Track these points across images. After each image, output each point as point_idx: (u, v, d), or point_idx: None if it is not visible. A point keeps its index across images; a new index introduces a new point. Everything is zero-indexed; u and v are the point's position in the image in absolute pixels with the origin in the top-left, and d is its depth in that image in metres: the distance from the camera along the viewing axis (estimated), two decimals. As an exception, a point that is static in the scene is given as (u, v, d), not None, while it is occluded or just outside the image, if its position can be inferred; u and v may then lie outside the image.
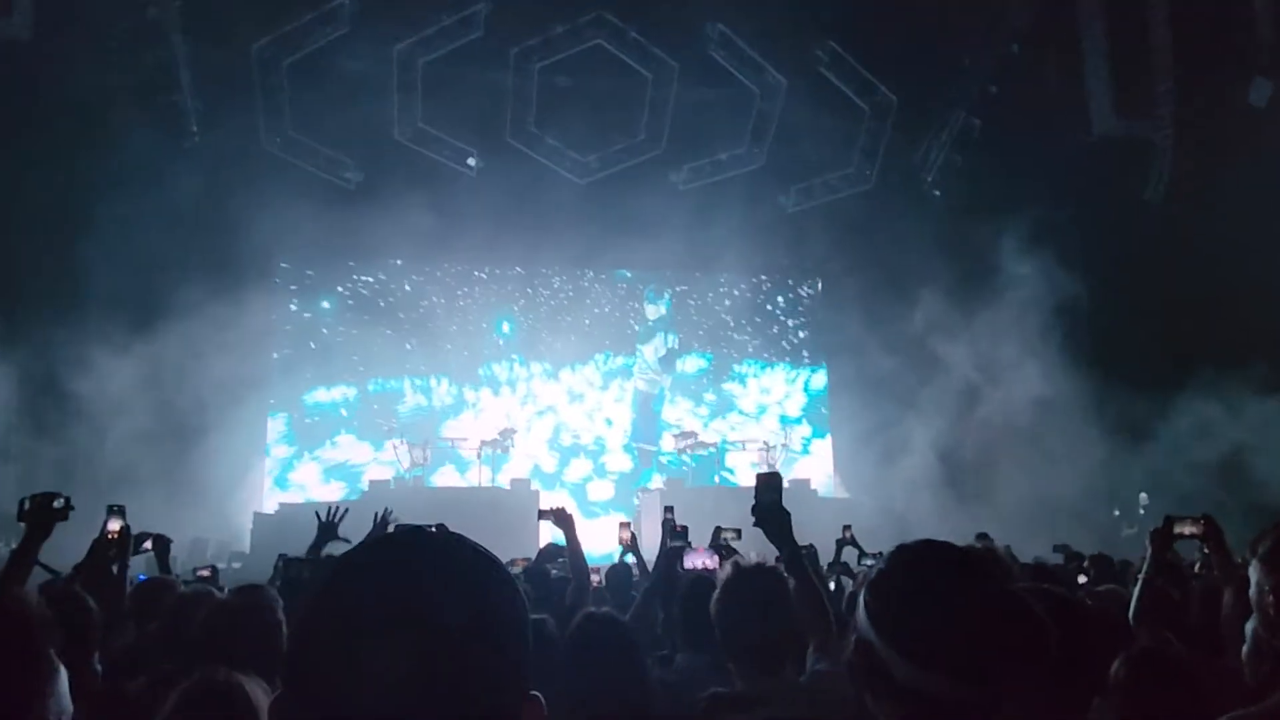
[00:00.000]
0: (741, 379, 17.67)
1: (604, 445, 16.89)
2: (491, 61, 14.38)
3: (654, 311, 17.43)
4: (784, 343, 17.89)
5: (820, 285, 18.11)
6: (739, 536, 4.84)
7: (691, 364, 17.50)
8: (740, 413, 17.50)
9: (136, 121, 12.70)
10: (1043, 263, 13.83)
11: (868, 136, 15.90)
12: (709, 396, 17.48)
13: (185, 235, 12.97)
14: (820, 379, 17.86)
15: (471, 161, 15.35)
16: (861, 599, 1.34)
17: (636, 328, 17.37)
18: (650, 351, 17.24)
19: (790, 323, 18.01)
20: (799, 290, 18.18)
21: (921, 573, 1.34)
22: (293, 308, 16.19)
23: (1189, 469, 12.42)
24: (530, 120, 15.03)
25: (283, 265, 16.05)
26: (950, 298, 14.46)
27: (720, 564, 3.14)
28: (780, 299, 18.03)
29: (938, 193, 16.43)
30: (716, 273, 17.24)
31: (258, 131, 14.32)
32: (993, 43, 14.67)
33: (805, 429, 17.50)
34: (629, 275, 17.45)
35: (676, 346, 17.29)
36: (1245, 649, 2.44)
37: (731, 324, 17.61)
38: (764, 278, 17.76)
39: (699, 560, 3.89)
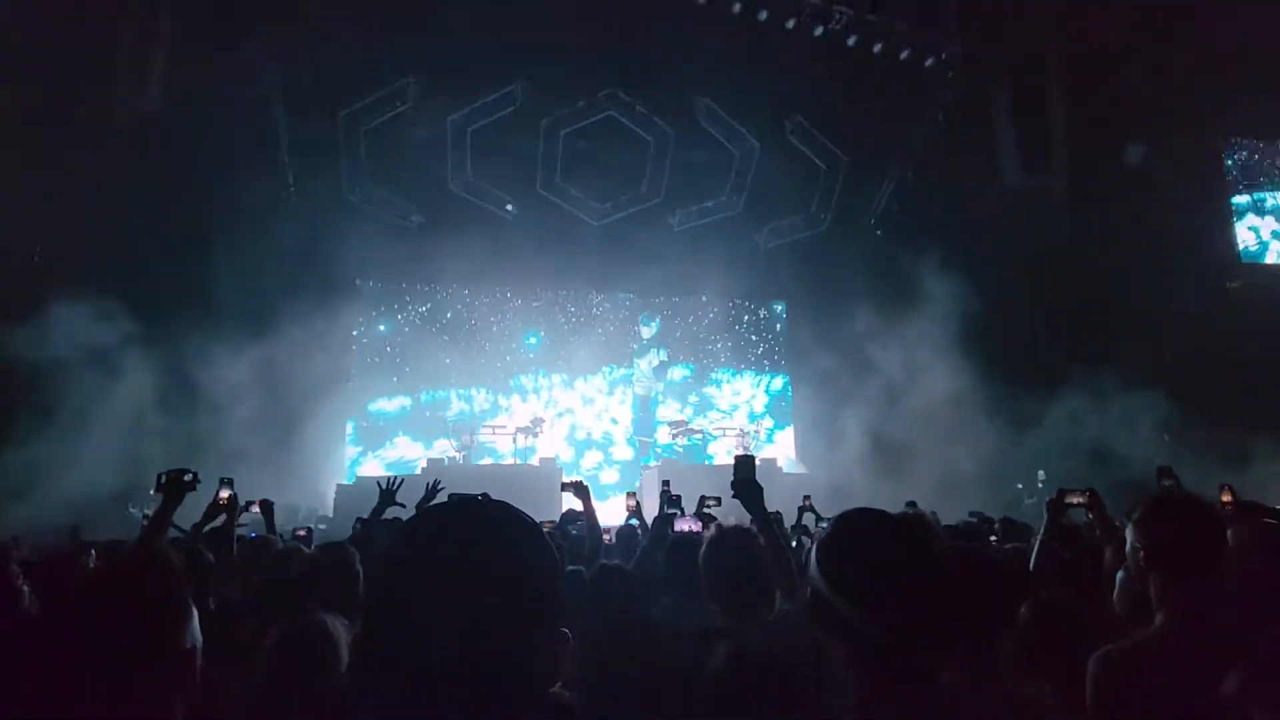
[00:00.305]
0: (718, 384, 17.57)
1: (611, 439, 16.79)
2: (526, 129, 14.42)
3: (647, 332, 17.36)
4: (750, 354, 17.76)
5: (784, 307, 18.06)
6: (719, 503, 4.84)
7: (678, 373, 17.44)
8: (718, 410, 17.42)
9: (248, 176, 12.75)
10: (957, 287, 13.81)
11: (823, 189, 15.92)
12: (692, 398, 17.36)
13: (286, 264, 12.99)
14: (779, 383, 17.78)
15: (510, 207, 15.38)
16: (814, 555, 1.35)
17: (634, 345, 17.31)
18: (645, 364, 17.20)
19: (754, 337, 17.89)
20: (760, 312, 18.07)
21: (859, 534, 1.34)
22: (355, 333, 15.95)
23: (1067, 451, 12.36)
24: (557, 175, 15.07)
25: (359, 287, 15.95)
26: (883, 315, 14.44)
27: (704, 527, 3.14)
28: (747, 318, 17.91)
29: (879, 232, 16.42)
30: (698, 297, 17.12)
31: (341, 183, 14.38)
32: (923, 114, 14.70)
33: (768, 422, 17.41)
34: (628, 301, 17.37)
35: (666, 359, 17.23)
36: (1115, 593, 2.43)
37: (709, 340, 17.49)
38: (736, 301, 17.58)
39: (686, 525, 3.89)
